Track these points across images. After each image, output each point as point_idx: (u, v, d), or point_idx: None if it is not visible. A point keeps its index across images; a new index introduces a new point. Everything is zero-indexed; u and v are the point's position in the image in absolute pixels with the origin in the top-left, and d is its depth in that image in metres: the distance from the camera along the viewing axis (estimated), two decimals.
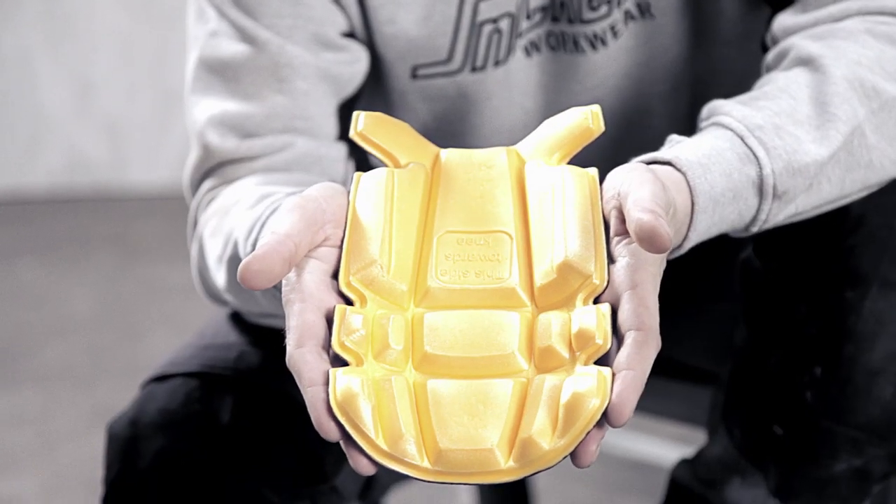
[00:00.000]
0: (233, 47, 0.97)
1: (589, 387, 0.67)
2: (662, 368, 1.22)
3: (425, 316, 0.73)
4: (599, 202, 0.76)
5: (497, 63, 0.99)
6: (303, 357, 0.70)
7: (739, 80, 1.00)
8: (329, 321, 0.72)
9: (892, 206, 0.90)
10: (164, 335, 2.54)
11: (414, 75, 1.01)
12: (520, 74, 1.01)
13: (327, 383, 0.69)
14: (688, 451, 1.05)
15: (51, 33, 3.36)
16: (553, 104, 1.02)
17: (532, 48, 1.00)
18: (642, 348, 0.68)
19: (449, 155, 0.83)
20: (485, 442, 0.67)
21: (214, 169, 0.98)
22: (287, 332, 0.72)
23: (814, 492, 0.94)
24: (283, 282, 0.74)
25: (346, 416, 0.68)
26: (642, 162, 0.81)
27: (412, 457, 0.68)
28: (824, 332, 0.90)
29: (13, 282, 2.89)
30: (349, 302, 0.74)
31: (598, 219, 0.75)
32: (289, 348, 0.71)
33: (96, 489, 0.98)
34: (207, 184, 0.98)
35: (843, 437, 0.90)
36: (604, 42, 0.99)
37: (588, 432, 0.67)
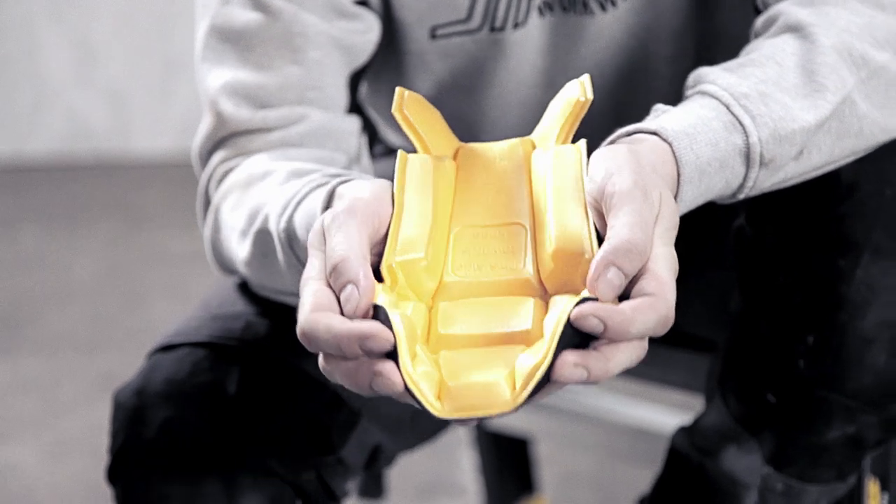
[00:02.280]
0: (245, 15, 0.96)
1: (566, 303, 0.68)
2: (663, 336, 1.23)
3: (440, 304, 0.74)
4: (584, 175, 0.76)
5: (517, 25, 0.99)
6: (324, 316, 0.70)
7: (744, 43, 0.99)
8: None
9: (883, 174, 0.90)
10: (167, 303, 2.55)
11: (433, 35, 1.00)
12: (534, 35, 1.01)
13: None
14: (688, 419, 1.05)
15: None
16: (562, 64, 1.02)
17: (546, 8, 1.00)
18: (648, 310, 0.68)
19: (469, 148, 0.83)
20: (491, 377, 0.67)
21: (227, 139, 0.97)
22: (300, 307, 0.71)
23: (808, 459, 0.94)
24: (308, 266, 0.74)
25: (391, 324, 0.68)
26: (626, 133, 0.81)
27: (427, 388, 0.68)
28: (816, 301, 0.90)
29: (15, 249, 2.90)
30: (379, 280, 0.74)
31: (583, 193, 0.75)
32: (302, 316, 0.70)
33: (100, 456, 0.99)
34: (219, 155, 0.97)
35: (836, 405, 0.91)
36: (613, 3, 0.99)
37: (561, 336, 0.67)
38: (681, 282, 1.20)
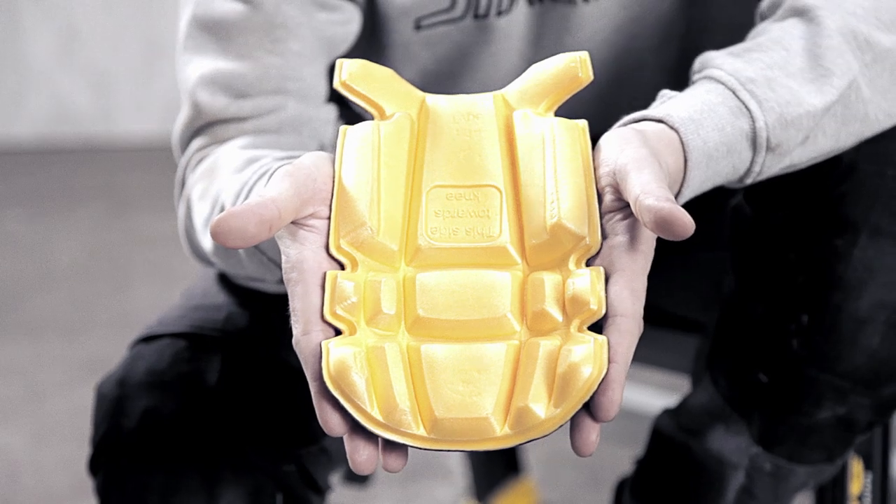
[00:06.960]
0: (227, 6, 0.96)
1: (585, 355, 0.67)
2: (650, 317, 1.23)
3: (417, 277, 0.72)
4: (590, 159, 0.75)
5: (500, 13, 0.99)
6: (309, 344, 0.69)
7: (731, 32, 0.99)
8: None
9: (882, 154, 0.89)
10: (151, 286, 2.54)
11: (418, 27, 1.00)
12: (520, 22, 1.00)
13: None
14: (673, 401, 1.06)
15: None
16: (546, 53, 1.01)
17: None
18: (625, 337, 0.67)
19: (435, 101, 0.81)
20: (480, 410, 0.67)
21: (204, 128, 0.97)
22: (292, 314, 0.71)
23: (797, 440, 0.94)
24: (283, 258, 0.73)
25: (340, 391, 0.67)
26: (633, 120, 0.80)
27: (408, 426, 0.67)
28: (812, 280, 0.90)
29: None
30: (342, 266, 0.73)
31: (589, 177, 0.74)
32: (296, 333, 0.70)
33: (84, 439, 0.98)
34: (197, 143, 0.97)
35: (828, 386, 0.91)
36: None
37: (584, 403, 0.66)
38: (671, 263, 1.20)
